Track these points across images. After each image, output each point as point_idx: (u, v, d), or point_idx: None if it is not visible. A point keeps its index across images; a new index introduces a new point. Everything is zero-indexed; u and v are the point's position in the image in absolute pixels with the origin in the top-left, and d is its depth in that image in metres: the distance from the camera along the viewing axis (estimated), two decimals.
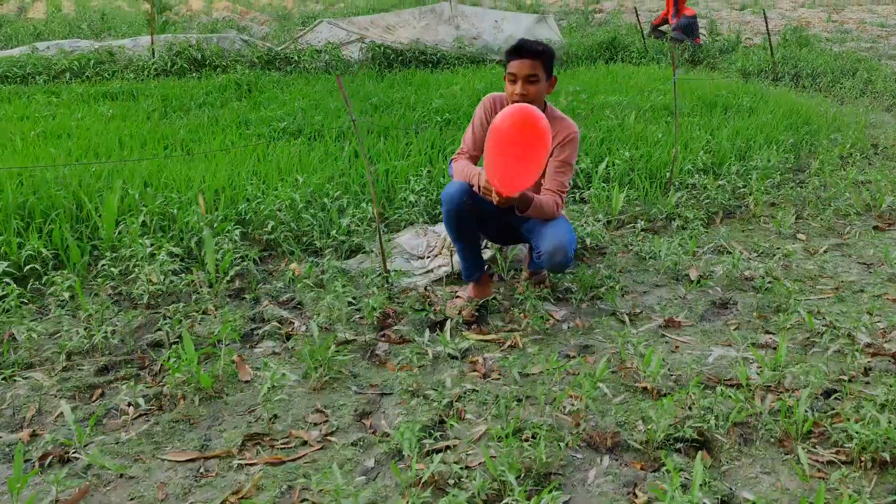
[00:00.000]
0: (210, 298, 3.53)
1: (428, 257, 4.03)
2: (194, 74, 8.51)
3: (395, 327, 3.33)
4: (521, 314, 3.40)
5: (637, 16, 10.99)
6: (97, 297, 3.47)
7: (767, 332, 3.31)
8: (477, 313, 3.40)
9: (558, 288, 3.71)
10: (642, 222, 4.51)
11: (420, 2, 17.72)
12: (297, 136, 5.73)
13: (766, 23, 9.70)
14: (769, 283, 3.72)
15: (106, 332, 3.08)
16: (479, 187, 3.14)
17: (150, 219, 3.99)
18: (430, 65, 9.72)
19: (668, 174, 4.98)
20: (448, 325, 3.30)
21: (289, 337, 3.25)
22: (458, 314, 3.35)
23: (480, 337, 3.24)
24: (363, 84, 8.09)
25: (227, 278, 3.66)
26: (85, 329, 3.13)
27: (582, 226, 4.24)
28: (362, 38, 9.80)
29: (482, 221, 3.40)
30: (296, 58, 9.23)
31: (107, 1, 20.07)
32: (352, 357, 3.08)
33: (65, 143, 5.30)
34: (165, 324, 3.17)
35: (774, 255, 4.09)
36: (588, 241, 4.13)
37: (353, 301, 3.50)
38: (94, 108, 6.67)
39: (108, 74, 8.31)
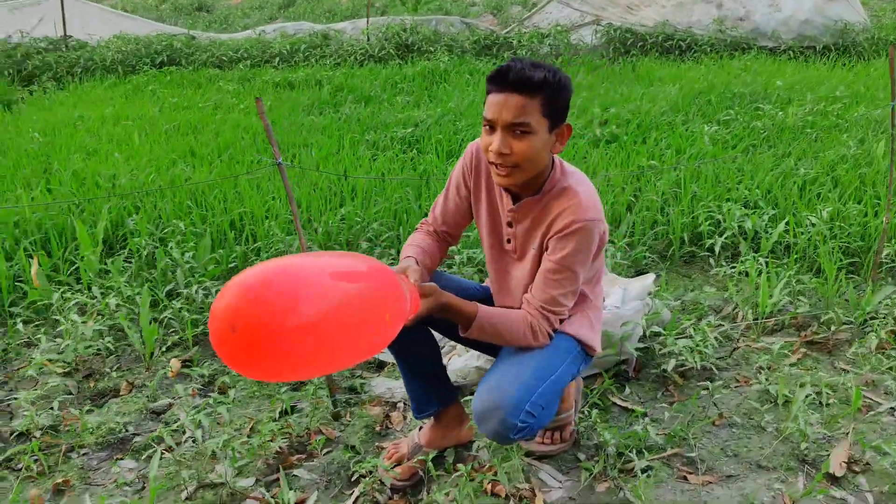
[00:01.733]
0: (138, 373, 2.82)
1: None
2: (397, 61, 7.93)
3: (297, 471, 2.29)
4: (482, 485, 2.14)
5: None
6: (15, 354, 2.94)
7: None
8: (418, 473, 2.21)
9: (586, 441, 2.34)
10: (811, 331, 2.82)
11: None
12: (408, 149, 4.77)
13: None
14: None
15: None
16: None
17: (144, 252, 3.39)
18: (678, 51, 8.03)
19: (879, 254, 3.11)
20: (358, 489, 2.18)
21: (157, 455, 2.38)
22: (391, 471, 2.19)
23: None
24: (571, 75, 6.80)
25: (164, 348, 2.91)
26: None
27: (690, 332, 2.71)
28: (598, 20, 8.42)
29: (444, 327, 2.17)
30: (516, 42, 8.20)
31: None
32: None
33: (177, 141, 4.99)
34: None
35: None
36: (685, 360, 2.62)
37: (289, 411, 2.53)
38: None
39: (315, 59, 8.09)
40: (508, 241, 2.04)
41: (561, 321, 1.99)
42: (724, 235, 3.34)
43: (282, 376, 1.48)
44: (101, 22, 9.46)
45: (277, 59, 8.12)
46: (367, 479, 2.19)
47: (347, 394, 2.65)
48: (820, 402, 2.46)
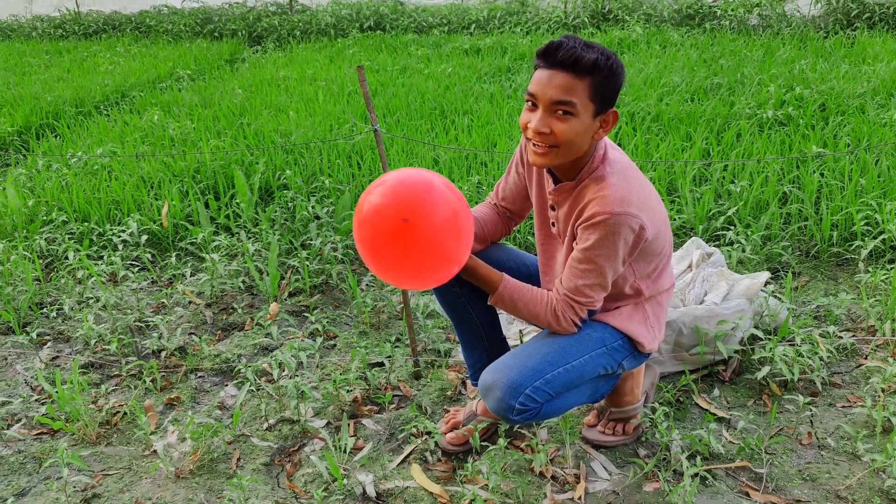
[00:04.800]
0: (266, 311, 3.13)
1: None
2: (590, 29, 7.75)
3: (366, 421, 2.44)
4: (528, 462, 2.16)
5: None
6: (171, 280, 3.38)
7: None
8: (469, 440, 2.27)
9: (651, 438, 2.26)
10: None
11: None
12: None
13: None
14: None
15: (115, 327, 2.95)
16: None
17: (291, 205, 3.72)
18: None
19: None
20: (411, 446, 2.29)
21: (258, 388, 2.66)
22: (438, 434, 2.28)
23: (424, 484, 2.15)
24: (774, 49, 6.27)
25: (288, 293, 3.19)
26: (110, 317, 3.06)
27: (797, 340, 2.48)
28: None
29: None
30: (721, 11, 7.66)
31: None
32: (266, 447, 2.35)
33: (356, 102, 5.33)
34: (156, 337, 2.88)
35: None
36: (779, 369, 2.41)
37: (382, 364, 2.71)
38: (439, 65, 6.58)
39: (510, 26, 8.13)
40: (553, 224, 2.01)
41: (591, 312, 1.94)
42: (879, 238, 2.97)
43: (425, 274, 1.73)
44: None
45: (473, 25, 8.27)
46: (421, 439, 2.30)
47: (433, 356, 2.76)
48: None
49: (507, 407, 1.84)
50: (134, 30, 10.14)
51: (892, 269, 2.79)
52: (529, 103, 1.81)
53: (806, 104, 4.43)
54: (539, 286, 2.14)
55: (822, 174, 3.57)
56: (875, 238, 3.05)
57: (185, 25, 9.75)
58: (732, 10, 7.56)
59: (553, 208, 1.99)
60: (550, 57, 1.74)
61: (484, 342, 2.26)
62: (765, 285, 2.83)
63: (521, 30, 7.95)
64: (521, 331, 2.67)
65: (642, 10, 7.92)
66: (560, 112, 1.74)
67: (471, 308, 2.19)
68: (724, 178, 3.57)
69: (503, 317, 2.66)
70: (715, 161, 3.48)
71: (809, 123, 4.15)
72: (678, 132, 4.15)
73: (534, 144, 1.81)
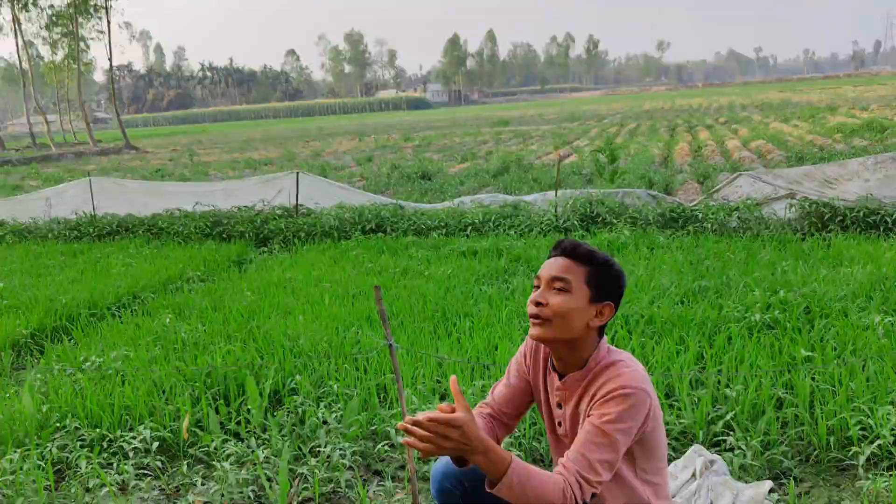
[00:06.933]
0: None
1: None
2: (580, 232, 8.23)
3: None
4: None
5: None
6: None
7: None
8: None
9: None
10: None
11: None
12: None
13: None
14: None
15: None
16: None
17: (300, 410, 3.81)
18: (883, 228, 7.54)
19: None
20: None
21: None
22: None
23: None
24: (755, 251, 6.65)
25: (298, 501, 3.20)
26: None
27: None
28: (792, 194, 8.20)
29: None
30: (700, 216, 8.19)
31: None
32: None
33: (360, 305, 5.57)
34: None
35: None
36: None
37: None
38: (438, 266, 6.92)
39: (504, 229, 8.61)
40: (559, 423, 2.15)
41: (593, 495, 1.96)
42: (875, 444, 3.07)
43: None
44: (326, 193, 10.87)
45: (469, 227, 8.76)
46: None
47: None
48: None
49: None
50: (146, 231, 10.64)
51: (891, 475, 2.85)
52: (535, 286, 2.08)
53: (791, 308, 4.68)
54: None
55: (813, 378, 3.72)
56: (871, 443, 3.14)
57: (196, 227, 10.26)
58: (713, 213, 8.07)
59: (559, 406, 2.14)
60: (558, 248, 2.10)
61: None
62: (769, 493, 2.88)
63: (515, 232, 8.42)
64: None
65: (628, 213, 8.46)
66: (556, 287, 2.01)
67: None
68: (719, 381, 3.72)
69: None
70: (709, 368, 3.64)
71: (796, 326, 4.36)
72: (671, 335, 4.35)
73: (532, 318, 2.04)
